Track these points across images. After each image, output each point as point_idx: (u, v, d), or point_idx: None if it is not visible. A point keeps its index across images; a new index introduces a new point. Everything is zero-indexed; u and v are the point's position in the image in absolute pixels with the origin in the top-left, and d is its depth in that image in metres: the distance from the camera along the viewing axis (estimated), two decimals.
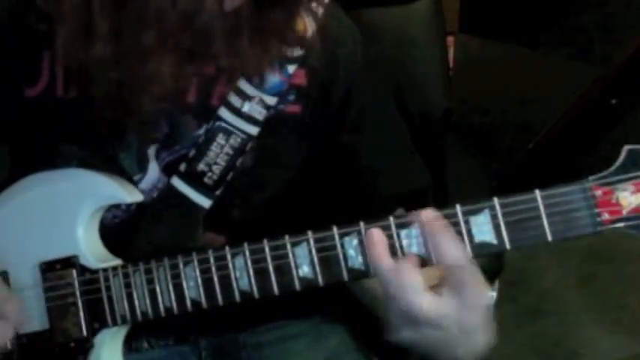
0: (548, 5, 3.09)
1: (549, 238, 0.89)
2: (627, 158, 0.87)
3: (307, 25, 1.13)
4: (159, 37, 0.97)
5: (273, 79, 1.12)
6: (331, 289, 0.99)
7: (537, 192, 0.88)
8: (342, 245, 0.95)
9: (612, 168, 0.88)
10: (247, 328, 1.27)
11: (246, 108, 1.12)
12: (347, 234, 0.95)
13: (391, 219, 0.94)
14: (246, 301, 1.00)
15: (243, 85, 1.12)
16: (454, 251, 0.90)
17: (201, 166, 1.12)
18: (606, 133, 2.55)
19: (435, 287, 0.92)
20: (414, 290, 0.91)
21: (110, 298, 1.05)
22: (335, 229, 0.95)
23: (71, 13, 0.97)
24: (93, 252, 1.08)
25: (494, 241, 0.90)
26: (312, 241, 0.96)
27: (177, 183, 1.13)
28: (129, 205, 1.14)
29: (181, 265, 1.02)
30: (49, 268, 1.07)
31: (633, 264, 2.68)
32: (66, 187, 1.09)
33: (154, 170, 1.14)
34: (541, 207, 0.88)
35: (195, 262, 1.01)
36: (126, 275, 1.05)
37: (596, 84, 2.62)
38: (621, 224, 0.87)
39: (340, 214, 0.98)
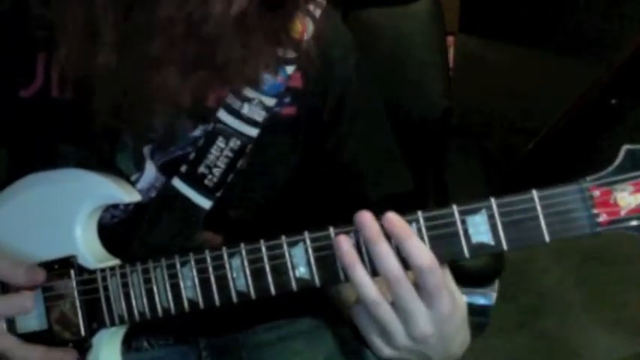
0: (548, 5, 3.09)
1: (547, 238, 0.88)
2: (626, 158, 0.86)
3: (304, 28, 1.13)
4: (165, 46, 0.96)
5: (272, 80, 1.12)
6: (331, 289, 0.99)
7: (534, 192, 0.88)
8: None
9: (610, 168, 0.87)
10: (247, 328, 1.27)
11: (245, 110, 1.12)
12: (343, 234, 0.95)
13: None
14: (243, 302, 1.00)
15: (242, 87, 1.12)
16: (423, 253, 0.89)
17: (202, 169, 1.12)
18: (606, 133, 2.55)
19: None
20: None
21: (108, 299, 1.05)
22: (331, 230, 0.95)
23: (75, 22, 0.97)
24: (91, 252, 1.08)
25: (492, 242, 0.90)
26: (308, 241, 0.96)
27: (179, 184, 1.13)
28: (127, 205, 1.14)
29: (178, 266, 1.02)
30: (47, 268, 1.07)
31: (633, 264, 2.68)
32: (64, 187, 1.09)
33: (150, 169, 1.14)
34: (538, 207, 0.88)
35: (193, 263, 1.01)
36: (123, 275, 1.05)
37: (596, 84, 2.62)
38: (619, 225, 0.87)
39: (335, 216, 0.98)
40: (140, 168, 1.13)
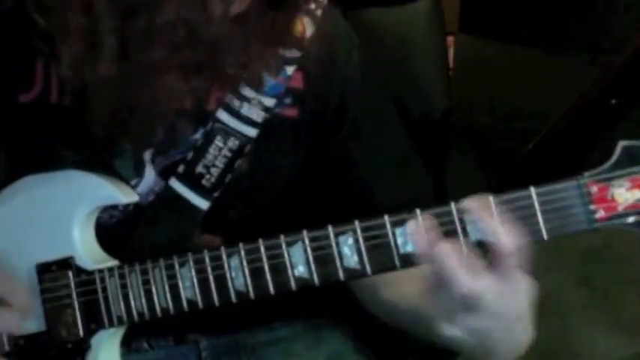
0: (548, 5, 3.08)
1: (545, 235, 0.88)
2: (622, 154, 0.87)
3: (305, 27, 1.13)
4: (165, 52, 0.96)
5: (271, 80, 1.12)
6: (331, 289, 0.98)
7: (532, 189, 0.88)
8: (337, 244, 0.95)
9: (607, 164, 0.87)
10: (247, 329, 1.27)
11: (244, 110, 1.12)
12: (342, 233, 0.95)
13: (386, 217, 0.94)
14: (242, 302, 1.00)
15: (242, 87, 1.12)
16: (507, 236, 0.87)
17: (200, 169, 1.12)
18: (606, 133, 2.54)
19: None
20: (475, 271, 0.88)
21: (106, 299, 1.05)
22: (330, 228, 0.95)
23: (76, 32, 0.96)
24: (89, 253, 1.08)
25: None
26: (307, 241, 0.96)
27: (176, 184, 1.13)
28: (126, 206, 1.14)
29: (177, 266, 1.02)
30: (45, 269, 1.07)
31: (633, 264, 2.67)
32: (61, 189, 1.09)
33: (150, 174, 1.14)
34: (536, 204, 0.88)
35: (191, 263, 1.01)
36: (122, 276, 1.05)
37: (596, 84, 2.62)
38: (617, 221, 0.87)
39: (337, 216, 0.98)
40: (139, 173, 1.13)
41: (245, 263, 0.99)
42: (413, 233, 0.92)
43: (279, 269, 0.97)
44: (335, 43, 1.17)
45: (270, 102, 1.12)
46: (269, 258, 0.98)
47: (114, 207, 1.13)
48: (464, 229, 0.90)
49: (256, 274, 0.98)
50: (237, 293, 1.00)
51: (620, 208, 0.87)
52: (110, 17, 0.95)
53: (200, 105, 1.10)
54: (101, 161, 1.12)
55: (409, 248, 0.93)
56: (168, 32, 0.94)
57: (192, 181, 1.12)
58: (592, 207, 0.87)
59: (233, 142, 1.12)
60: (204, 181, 1.12)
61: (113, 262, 1.08)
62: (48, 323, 1.08)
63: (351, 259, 0.95)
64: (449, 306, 0.91)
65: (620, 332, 2.48)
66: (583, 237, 0.89)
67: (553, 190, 0.88)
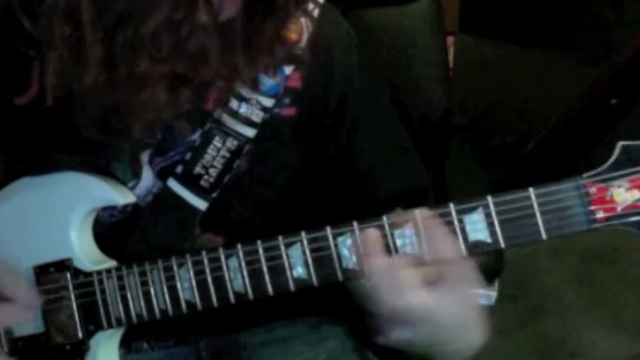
0: (548, 5, 3.08)
1: (544, 235, 0.88)
2: (621, 155, 0.87)
3: (303, 27, 1.13)
4: (152, 63, 0.95)
5: (269, 80, 1.12)
6: (331, 289, 0.98)
7: (531, 190, 0.88)
8: (336, 245, 0.95)
9: (606, 165, 0.87)
10: (247, 329, 1.27)
11: (242, 110, 1.12)
12: (340, 234, 0.95)
13: (384, 219, 0.94)
14: (241, 302, 1.00)
15: (239, 87, 1.12)
16: (450, 247, 0.91)
17: (198, 169, 1.12)
18: (606, 133, 2.54)
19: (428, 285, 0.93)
20: (411, 286, 0.91)
21: (105, 301, 1.05)
22: (329, 229, 0.95)
23: (62, 41, 0.96)
24: (87, 254, 1.08)
25: (489, 240, 0.90)
26: (305, 242, 0.96)
27: (174, 185, 1.13)
28: (124, 207, 1.14)
29: (175, 267, 1.02)
30: (43, 271, 1.07)
31: (633, 264, 2.68)
32: (58, 190, 1.09)
33: (147, 176, 1.13)
34: (535, 205, 0.88)
35: (189, 264, 1.01)
36: (120, 277, 1.04)
37: (596, 84, 2.61)
38: (616, 221, 0.87)
39: (338, 215, 0.98)
40: (137, 175, 1.13)
41: (244, 264, 0.99)
42: (360, 243, 0.95)
43: (277, 270, 0.97)
44: (333, 42, 1.17)
45: (268, 102, 1.12)
46: (267, 259, 0.98)
47: (112, 208, 1.13)
48: (463, 230, 0.90)
49: (255, 275, 0.98)
50: (236, 294, 1.00)
51: (619, 209, 0.87)
52: (95, 27, 0.94)
53: (198, 105, 1.10)
54: (97, 164, 1.11)
55: (408, 250, 0.93)
56: (153, 44, 0.94)
57: (191, 181, 1.12)
58: (591, 207, 0.87)
59: (232, 143, 1.12)
60: (202, 182, 1.12)
61: (111, 264, 1.08)
62: (46, 325, 1.08)
63: (350, 260, 0.95)
64: (385, 316, 0.95)
65: (620, 332, 2.48)
66: (583, 237, 0.90)
67: (552, 191, 0.88)
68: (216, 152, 1.12)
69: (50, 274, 1.07)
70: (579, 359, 2.43)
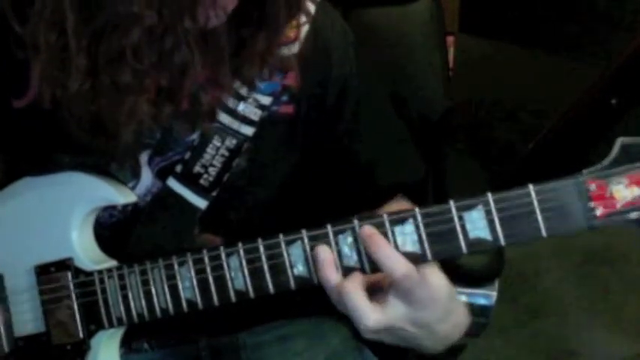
0: (548, 5, 3.08)
1: (544, 233, 0.88)
2: (621, 151, 0.87)
3: (300, 24, 1.13)
4: (135, 75, 0.94)
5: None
6: None
7: (531, 187, 0.88)
8: (337, 243, 0.95)
9: (606, 161, 0.87)
10: (247, 328, 1.27)
11: (241, 108, 1.12)
12: (341, 231, 0.95)
13: (385, 216, 0.94)
14: (242, 301, 1.00)
15: (237, 86, 1.12)
16: (396, 263, 0.93)
17: (198, 168, 1.12)
18: (606, 133, 2.55)
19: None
20: (358, 310, 0.94)
21: (106, 300, 1.05)
22: (329, 227, 0.95)
23: (47, 48, 0.95)
24: (87, 254, 1.08)
25: (489, 237, 0.90)
26: (306, 240, 0.96)
27: (173, 184, 1.13)
28: (124, 207, 1.14)
29: (176, 266, 1.02)
30: (43, 271, 1.07)
31: (633, 264, 2.68)
32: (59, 190, 1.09)
33: (147, 176, 1.13)
34: (535, 202, 0.88)
35: (190, 263, 1.01)
36: (121, 277, 1.04)
37: (596, 84, 2.62)
38: (616, 218, 0.87)
39: (336, 211, 0.98)
40: (136, 175, 1.13)
41: (244, 263, 0.99)
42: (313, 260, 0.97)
43: (278, 269, 0.97)
44: (330, 39, 1.17)
45: (266, 100, 1.12)
46: (268, 258, 0.98)
47: (112, 208, 1.13)
48: (463, 228, 0.90)
49: (256, 273, 0.98)
50: (237, 293, 1.00)
51: (618, 205, 0.86)
52: (80, 36, 0.94)
53: (197, 105, 1.10)
54: (98, 164, 1.11)
55: (409, 248, 0.93)
56: (136, 55, 0.93)
57: (190, 180, 1.12)
58: (591, 204, 0.87)
59: (230, 141, 1.12)
60: (202, 181, 1.12)
61: (112, 263, 1.08)
62: (47, 324, 1.07)
63: (351, 258, 0.95)
64: None
65: (620, 332, 2.48)
66: (583, 237, 0.90)
67: (552, 188, 0.88)
68: (216, 151, 1.12)
69: (51, 274, 1.07)
70: (579, 359, 2.43)
